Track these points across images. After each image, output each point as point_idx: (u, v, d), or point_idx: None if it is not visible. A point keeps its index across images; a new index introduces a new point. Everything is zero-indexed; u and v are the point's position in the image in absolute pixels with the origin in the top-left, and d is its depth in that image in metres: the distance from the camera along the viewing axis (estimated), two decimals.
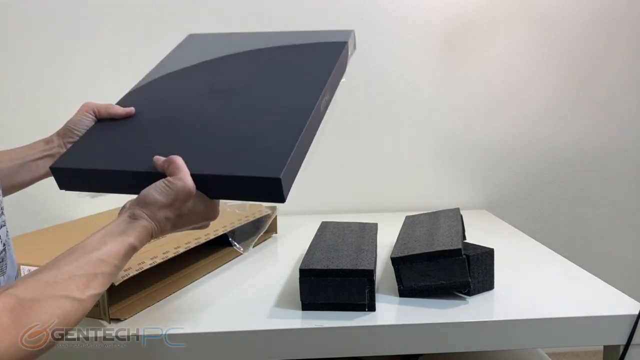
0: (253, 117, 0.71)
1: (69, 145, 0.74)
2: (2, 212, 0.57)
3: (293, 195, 0.63)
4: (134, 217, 0.57)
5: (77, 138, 0.74)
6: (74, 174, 0.68)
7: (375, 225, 1.03)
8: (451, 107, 1.47)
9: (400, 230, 0.98)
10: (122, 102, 0.79)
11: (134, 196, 0.61)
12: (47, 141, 0.75)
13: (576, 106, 1.49)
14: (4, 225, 0.57)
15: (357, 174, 1.49)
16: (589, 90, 1.48)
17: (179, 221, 0.60)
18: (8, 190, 0.70)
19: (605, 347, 0.81)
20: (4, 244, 0.57)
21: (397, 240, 0.92)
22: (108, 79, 1.37)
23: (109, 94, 1.21)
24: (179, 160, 0.60)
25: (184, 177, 0.59)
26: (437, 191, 1.51)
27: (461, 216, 1.00)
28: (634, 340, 0.75)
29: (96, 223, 1.04)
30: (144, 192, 0.59)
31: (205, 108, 0.74)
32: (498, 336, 0.75)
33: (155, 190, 0.58)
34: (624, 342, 0.76)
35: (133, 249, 0.56)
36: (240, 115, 0.72)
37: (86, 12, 1.36)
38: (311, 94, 0.74)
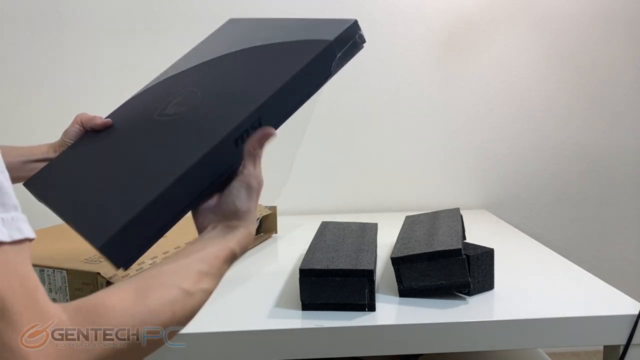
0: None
1: None
2: None
3: (293, 195, 0.63)
4: (230, 227, 0.56)
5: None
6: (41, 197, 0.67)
7: (375, 225, 1.03)
8: (451, 107, 1.47)
9: (400, 230, 0.98)
10: (116, 111, 0.79)
11: None
12: (50, 146, 0.77)
13: (576, 106, 1.49)
14: None
15: (357, 174, 1.49)
16: (589, 90, 1.48)
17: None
18: None
19: (605, 347, 0.81)
20: None
21: (397, 240, 0.92)
22: (108, 80, 1.37)
23: (108, 95, 1.22)
24: (255, 140, 0.58)
25: (259, 171, 0.58)
26: (437, 191, 1.51)
27: (461, 216, 1.00)
28: (634, 340, 0.75)
29: None
30: (227, 205, 0.57)
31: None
32: (498, 336, 0.75)
33: (240, 201, 0.57)
34: (624, 342, 0.76)
35: (233, 255, 0.55)
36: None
37: (89, 14, 1.36)
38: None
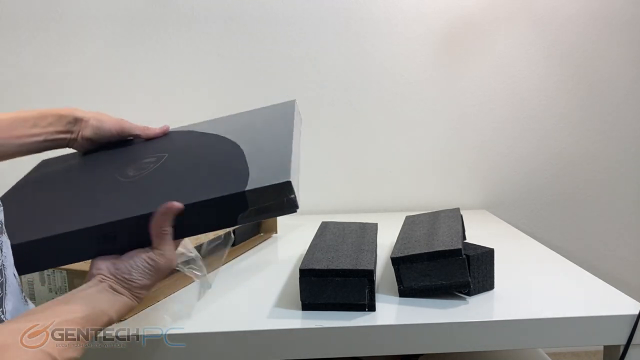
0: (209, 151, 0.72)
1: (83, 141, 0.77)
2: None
3: None
4: (116, 292, 0.56)
5: (92, 146, 0.78)
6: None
7: (375, 225, 1.03)
8: (451, 107, 1.47)
9: (400, 230, 0.98)
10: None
11: None
12: (62, 121, 0.75)
13: (576, 106, 1.49)
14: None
15: (357, 174, 1.49)
16: (590, 90, 1.48)
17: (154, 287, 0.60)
18: None
19: (605, 347, 0.81)
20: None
21: (397, 240, 0.92)
22: (107, 80, 1.37)
23: (108, 95, 1.22)
24: (164, 218, 0.57)
25: (168, 251, 0.58)
26: (437, 191, 1.51)
27: (461, 216, 1.00)
28: (634, 340, 0.75)
29: None
30: (124, 269, 0.57)
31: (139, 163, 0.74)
32: (498, 336, 0.75)
33: (138, 273, 0.57)
34: (624, 342, 0.76)
35: (110, 321, 0.55)
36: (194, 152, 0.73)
37: (86, 13, 1.36)
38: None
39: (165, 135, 0.84)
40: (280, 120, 0.79)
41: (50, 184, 0.76)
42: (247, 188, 0.59)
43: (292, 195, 0.59)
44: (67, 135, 0.75)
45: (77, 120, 0.76)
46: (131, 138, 0.82)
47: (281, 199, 0.59)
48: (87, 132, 0.76)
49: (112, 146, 0.81)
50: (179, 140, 0.81)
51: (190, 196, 0.60)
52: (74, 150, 0.81)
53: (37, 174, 0.81)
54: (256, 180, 0.60)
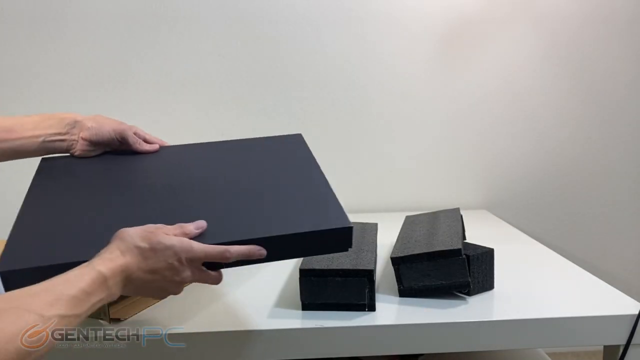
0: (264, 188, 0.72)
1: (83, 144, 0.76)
2: None
3: None
4: (104, 251, 0.56)
5: (93, 151, 0.77)
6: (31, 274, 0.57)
7: (375, 225, 1.03)
8: (451, 107, 1.47)
9: (400, 230, 0.98)
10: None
11: None
12: (62, 123, 0.75)
13: (576, 105, 1.49)
14: None
15: (357, 174, 1.49)
16: (589, 90, 1.48)
17: (155, 261, 0.57)
18: None
19: (605, 347, 0.81)
20: None
21: (397, 240, 0.92)
22: (107, 80, 1.37)
23: (107, 95, 1.22)
24: (190, 225, 0.61)
25: (170, 227, 0.59)
26: (437, 191, 1.51)
27: (461, 216, 1.00)
28: (634, 340, 0.75)
29: None
30: (153, 228, 0.58)
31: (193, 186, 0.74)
32: (498, 336, 0.75)
33: (128, 228, 0.58)
34: (624, 342, 0.76)
35: (102, 277, 0.52)
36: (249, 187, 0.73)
37: (89, 13, 1.36)
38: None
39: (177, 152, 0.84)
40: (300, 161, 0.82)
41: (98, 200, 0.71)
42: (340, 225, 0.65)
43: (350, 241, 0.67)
44: (67, 137, 0.75)
45: (76, 122, 0.76)
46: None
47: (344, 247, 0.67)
48: (86, 133, 0.76)
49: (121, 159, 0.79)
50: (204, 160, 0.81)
51: (281, 228, 0.64)
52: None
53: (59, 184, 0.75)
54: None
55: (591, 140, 1.51)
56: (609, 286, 0.87)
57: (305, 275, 0.78)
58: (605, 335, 0.76)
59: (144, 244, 0.56)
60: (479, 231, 1.19)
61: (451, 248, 0.79)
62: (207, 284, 0.62)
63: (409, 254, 0.81)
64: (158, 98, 1.39)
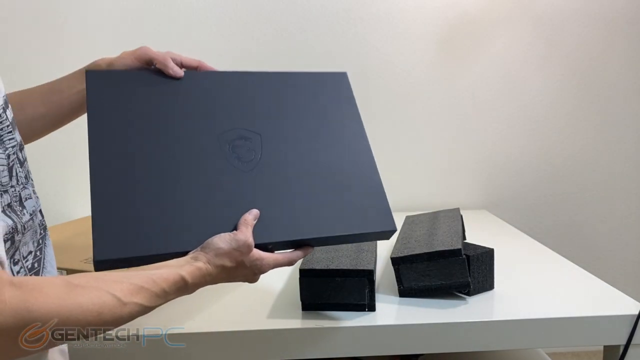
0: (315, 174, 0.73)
1: None
2: (29, 182, 0.58)
3: None
4: (194, 259, 0.60)
5: None
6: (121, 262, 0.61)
7: None
8: (451, 107, 1.47)
9: (400, 230, 0.98)
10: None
11: None
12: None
13: (576, 106, 1.49)
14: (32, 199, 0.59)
15: None
16: (590, 90, 1.48)
17: (235, 272, 0.62)
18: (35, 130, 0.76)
19: (605, 347, 0.81)
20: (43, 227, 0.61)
21: (397, 240, 0.92)
22: None
23: None
24: (249, 216, 0.65)
25: (247, 231, 0.63)
26: (437, 191, 1.51)
27: (461, 216, 1.00)
28: (634, 340, 0.75)
29: None
30: (210, 239, 0.62)
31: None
32: (498, 336, 0.75)
33: (219, 239, 0.61)
34: (624, 342, 0.76)
35: (184, 283, 0.56)
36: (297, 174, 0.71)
37: (89, 13, 1.36)
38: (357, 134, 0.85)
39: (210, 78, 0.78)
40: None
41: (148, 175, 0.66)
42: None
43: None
44: None
45: (101, 65, 0.81)
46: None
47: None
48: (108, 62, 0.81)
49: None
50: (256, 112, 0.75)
51: (331, 229, 0.68)
52: None
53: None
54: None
55: (591, 140, 1.51)
56: (609, 286, 0.87)
57: (305, 275, 0.78)
58: (605, 335, 0.76)
59: (231, 264, 0.61)
60: (479, 231, 1.19)
61: (451, 248, 0.79)
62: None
63: (409, 254, 0.81)
64: None
